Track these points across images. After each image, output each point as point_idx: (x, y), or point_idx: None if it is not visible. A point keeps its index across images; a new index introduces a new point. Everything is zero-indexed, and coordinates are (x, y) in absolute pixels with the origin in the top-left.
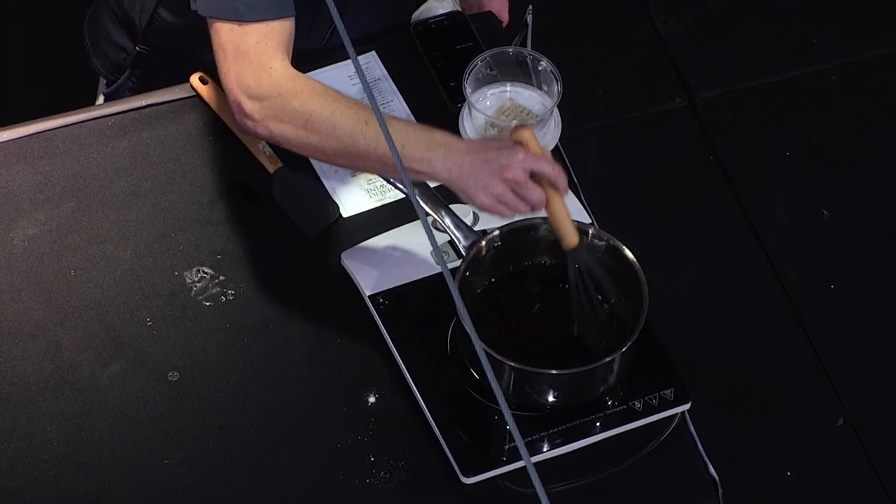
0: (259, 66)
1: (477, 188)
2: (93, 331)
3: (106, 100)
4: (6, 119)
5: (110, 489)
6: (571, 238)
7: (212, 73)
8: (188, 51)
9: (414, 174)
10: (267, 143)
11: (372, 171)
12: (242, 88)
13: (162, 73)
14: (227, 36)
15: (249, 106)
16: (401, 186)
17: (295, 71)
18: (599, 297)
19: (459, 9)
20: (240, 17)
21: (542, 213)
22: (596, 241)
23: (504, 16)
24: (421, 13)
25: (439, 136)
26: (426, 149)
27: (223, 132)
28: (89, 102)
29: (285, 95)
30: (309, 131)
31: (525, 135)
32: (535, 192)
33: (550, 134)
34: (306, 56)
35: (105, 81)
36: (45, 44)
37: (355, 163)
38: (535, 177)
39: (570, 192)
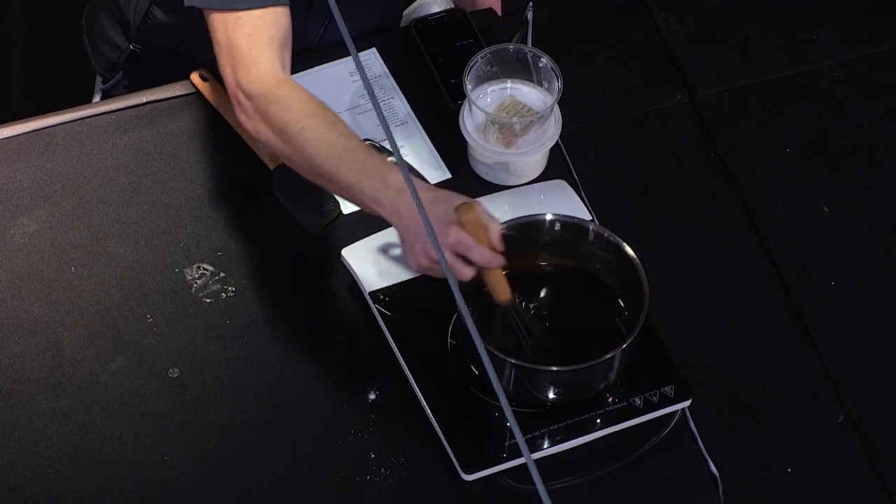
0: (250, 60)
1: (408, 252)
2: (93, 327)
3: (102, 97)
4: (3, 115)
5: (111, 486)
6: (501, 296)
7: (210, 72)
8: (181, 50)
9: (368, 210)
10: None
11: (336, 194)
12: (237, 83)
13: (154, 73)
14: (222, 30)
15: (244, 101)
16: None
17: (282, 75)
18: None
19: (453, 5)
20: (231, 6)
21: (544, 213)
22: (596, 237)
23: (497, 9)
24: (413, 10)
25: (395, 179)
26: (378, 188)
27: (224, 129)
28: (87, 99)
29: (268, 98)
30: (283, 141)
31: (467, 218)
32: (462, 271)
33: (550, 131)
34: (301, 53)
35: (101, 79)
36: (42, 40)
37: (322, 183)
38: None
39: (570, 188)
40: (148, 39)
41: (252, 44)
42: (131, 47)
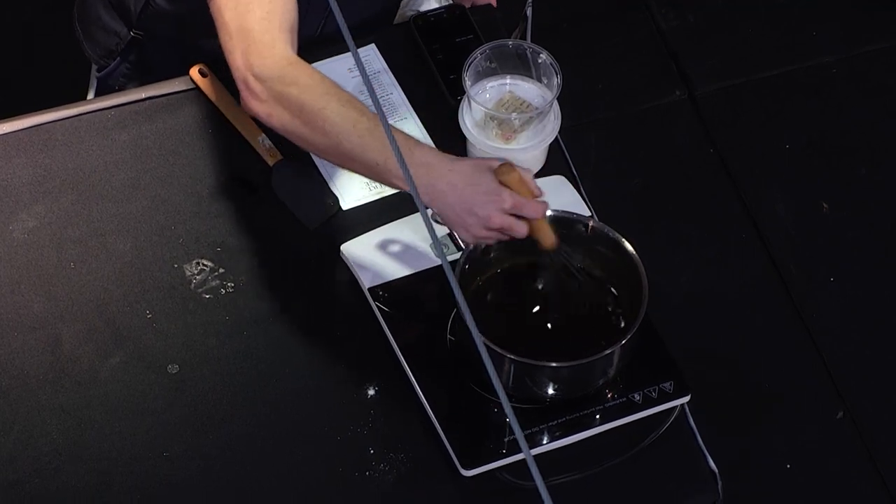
0: (263, 44)
1: (460, 227)
2: (92, 323)
3: (99, 84)
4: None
5: (110, 481)
6: (550, 242)
7: (210, 62)
8: (183, 37)
9: (395, 188)
10: (266, 136)
11: (359, 174)
12: (248, 67)
13: (157, 59)
14: (231, 13)
15: (255, 85)
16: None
17: (296, 57)
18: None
19: (451, 1)
20: None
21: None
22: (595, 233)
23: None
24: (407, 4)
25: (420, 155)
26: (408, 166)
27: (223, 125)
28: (81, 89)
29: (284, 79)
30: (302, 122)
31: (510, 178)
32: (521, 229)
33: (550, 127)
34: (306, 46)
35: (96, 67)
36: (33, 28)
37: (343, 163)
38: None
39: (569, 184)
40: (149, 26)
41: (265, 28)
42: (132, 34)
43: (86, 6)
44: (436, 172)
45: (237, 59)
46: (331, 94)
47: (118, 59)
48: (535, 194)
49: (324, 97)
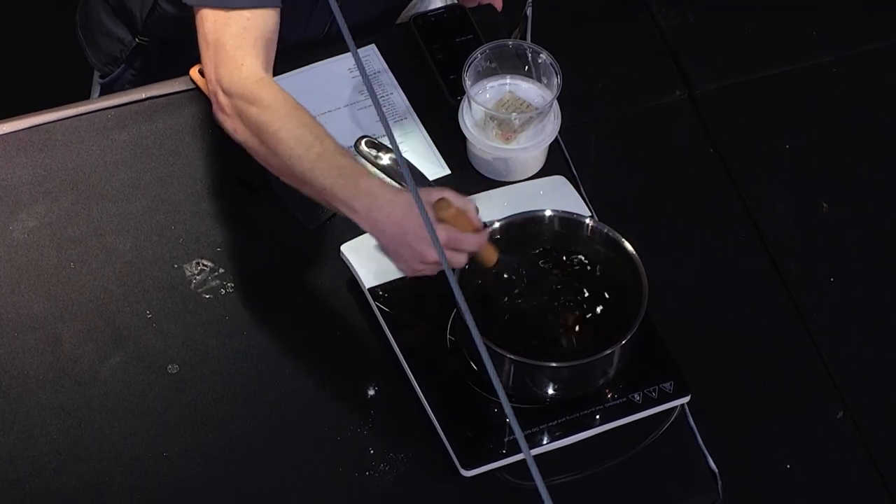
0: (233, 60)
1: (396, 259)
2: (92, 323)
3: (102, 91)
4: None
5: (110, 481)
6: (491, 260)
7: None
8: (190, 41)
9: (343, 214)
10: None
11: (311, 197)
12: (218, 80)
13: (164, 65)
14: (211, 26)
15: (222, 99)
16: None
17: (263, 75)
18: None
19: (454, 0)
20: (224, 4)
21: (543, 209)
22: (595, 233)
23: (497, 3)
24: (413, 6)
25: (365, 184)
26: (352, 195)
27: None
28: (83, 94)
29: (248, 98)
30: (259, 141)
31: (447, 215)
32: (457, 260)
33: (550, 127)
34: (307, 46)
35: (99, 74)
36: (35, 34)
37: (295, 184)
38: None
39: (569, 184)
40: (155, 31)
41: (238, 44)
42: (137, 40)
43: (88, 13)
44: (377, 203)
45: (210, 70)
46: (289, 116)
47: (123, 65)
48: (476, 227)
49: (281, 119)
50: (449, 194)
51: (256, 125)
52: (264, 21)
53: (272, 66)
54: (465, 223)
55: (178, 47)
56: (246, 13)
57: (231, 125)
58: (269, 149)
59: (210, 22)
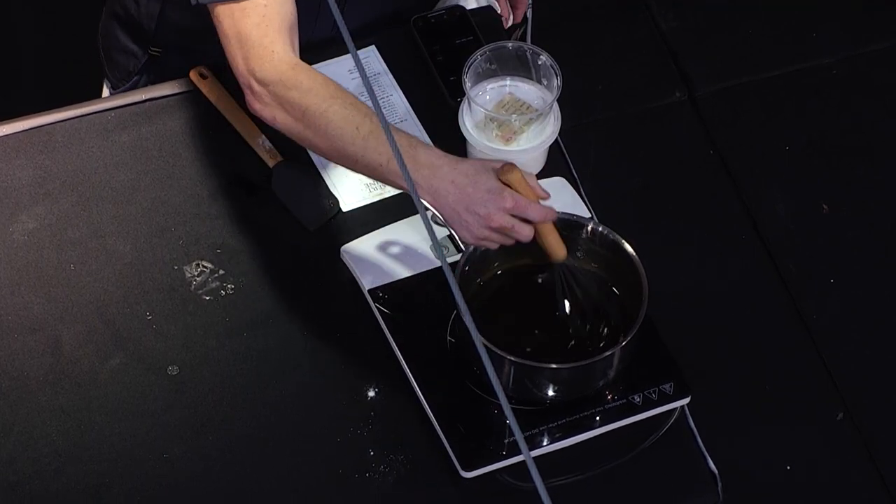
0: (262, 48)
1: (461, 227)
2: (92, 325)
3: None
4: (9, 115)
5: (110, 483)
6: (559, 253)
7: (210, 69)
8: (201, 47)
9: (399, 188)
10: (266, 137)
11: (363, 174)
12: (250, 72)
13: (173, 72)
14: (229, 20)
15: (258, 89)
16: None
17: (297, 59)
18: (584, 301)
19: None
20: None
21: None
22: (595, 234)
23: (518, 15)
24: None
25: (424, 156)
26: (411, 168)
27: (223, 127)
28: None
29: (286, 84)
30: (305, 125)
31: (512, 178)
32: (523, 231)
33: (550, 129)
34: (313, 47)
35: (109, 84)
36: (52, 43)
37: (347, 165)
38: None
39: (569, 186)
40: (166, 41)
41: (263, 32)
42: (150, 52)
43: (107, 31)
44: (439, 173)
45: (239, 64)
46: (333, 97)
47: (135, 77)
48: (541, 196)
49: (326, 100)
50: (516, 166)
51: (301, 110)
52: (281, 6)
53: (298, 49)
54: (528, 191)
55: (190, 54)
56: (261, 1)
57: (270, 114)
58: (317, 132)
59: (227, 17)
